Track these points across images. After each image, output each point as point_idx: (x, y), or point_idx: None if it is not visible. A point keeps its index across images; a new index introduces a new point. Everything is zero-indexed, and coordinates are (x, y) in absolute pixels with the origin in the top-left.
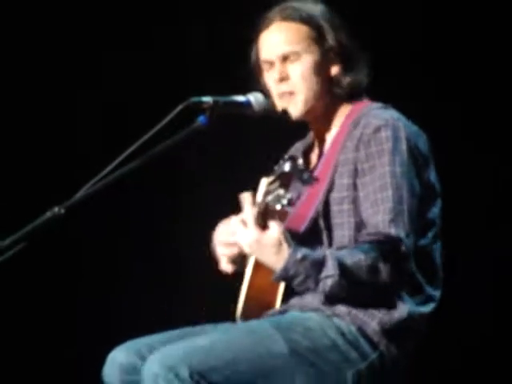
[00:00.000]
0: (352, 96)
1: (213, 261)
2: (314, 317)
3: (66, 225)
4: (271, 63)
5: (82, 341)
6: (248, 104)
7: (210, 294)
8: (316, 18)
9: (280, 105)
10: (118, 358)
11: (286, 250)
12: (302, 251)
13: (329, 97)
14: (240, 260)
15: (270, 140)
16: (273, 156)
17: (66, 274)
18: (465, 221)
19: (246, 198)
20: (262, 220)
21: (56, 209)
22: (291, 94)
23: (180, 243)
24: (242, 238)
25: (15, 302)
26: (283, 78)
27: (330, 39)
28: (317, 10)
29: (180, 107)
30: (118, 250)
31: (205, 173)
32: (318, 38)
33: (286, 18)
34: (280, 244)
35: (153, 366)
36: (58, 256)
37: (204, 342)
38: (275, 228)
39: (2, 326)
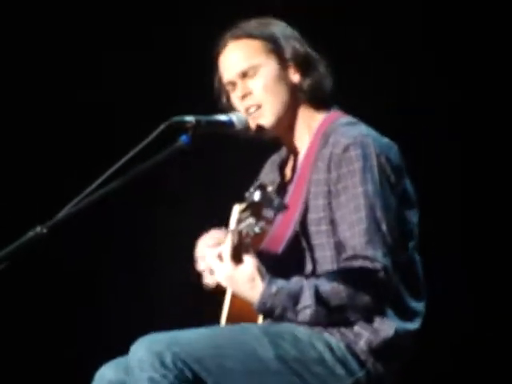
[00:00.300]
0: (318, 103)
1: (197, 276)
2: (304, 330)
3: (49, 242)
4: (233, 83)
5: (68, 357)
6: (230, 123)
7: (192, 308)
8: (267, 31)
9: (251, 121)
10: (107, 375)
11: (259, 285)
12: (278, 284)
13: (295, 105)
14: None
15: (250, 157)
16: (253, 173)
17: (48, 293)
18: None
19: (227, 233)
20: (237, 254)
21: (38, 228)
22: (258, 107)
23: (162, 259)
24: (219, 272)
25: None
26: (245, 95)
27: (285, 48)
28: (267, 23)
29: (162, 127)
30: (101, 266)
31: (187, 190)
32: (273, 49)
33: (238, 36)
34: (253, 279)
35: (139, 351)
36: (39, 274)
37: (191, 333)
38: (249, 263)
39: None
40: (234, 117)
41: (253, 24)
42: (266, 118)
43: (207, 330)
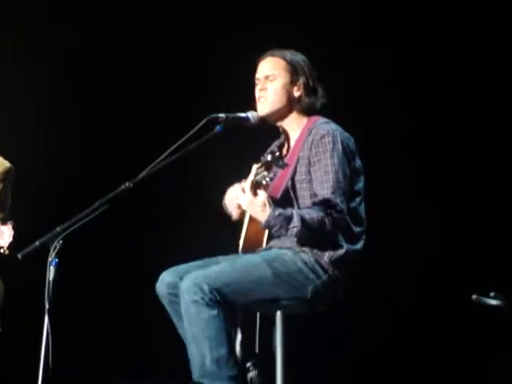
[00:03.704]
0: (308, 114)
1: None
2: (288, 253)
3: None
4: (259, 80)
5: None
6: (247, 118)
7: (221, 235)
8: (293, 59)
9: (257, 107)
10: (165, 278)
11: (268, 209)
12: (279, 210)
13: (290, 108)
14: (241, 212)
15: (261, 143)
16: (259, 154)
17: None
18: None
19: (244, 181)
20: (254, 190)
21: (127, 183)
22: (264, 99)
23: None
24: (242, 199)
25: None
26: (262, 89)
27: (299, 73)
28: (295, 54)
29: (204, 120)
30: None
31: (221, 165)
32: (291, 70)
33: (274, 55)
34: (264, 205)
35: (186, 283)
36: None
37: (218, 268)
38: (262, 194)
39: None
40: (249, 114)
41: (287, 51)
42: (265, 106)
43: (229, 266)
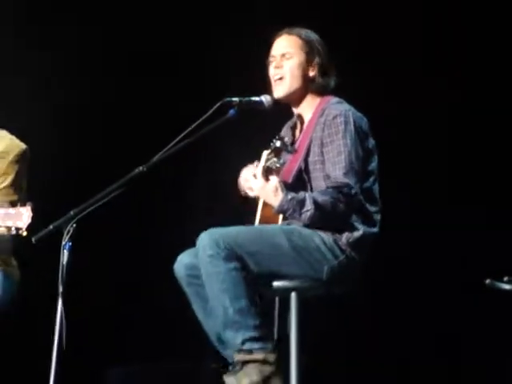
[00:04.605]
0: (322, 94)
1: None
2: (307, 229)
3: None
4: (274, 57)
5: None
6: (261, 102)
7: (236, 220)
8: (309, 37)
9: (273, 88)
10: (183, 259)
11: (280, 194)
12: (291, 194)
13: (305, 89)
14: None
15: (273, 126)
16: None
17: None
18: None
19: (257, 164)
20: (266, 175)
21: (140, 167)
22: (281, 79)
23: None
24: (254, 185)
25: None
26: (278, 67)
27: (315, 53)
28: (310, 33)
29: (218, 104)
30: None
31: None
32: (307, 49)
33: (290, 33)
34: (276, 190)
35: (204, 239)
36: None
37: (235, 229)
38: (274, 180)
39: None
40: (262, 97)
41: (302, 29)
42: (283, 88)
43: (247, 228)
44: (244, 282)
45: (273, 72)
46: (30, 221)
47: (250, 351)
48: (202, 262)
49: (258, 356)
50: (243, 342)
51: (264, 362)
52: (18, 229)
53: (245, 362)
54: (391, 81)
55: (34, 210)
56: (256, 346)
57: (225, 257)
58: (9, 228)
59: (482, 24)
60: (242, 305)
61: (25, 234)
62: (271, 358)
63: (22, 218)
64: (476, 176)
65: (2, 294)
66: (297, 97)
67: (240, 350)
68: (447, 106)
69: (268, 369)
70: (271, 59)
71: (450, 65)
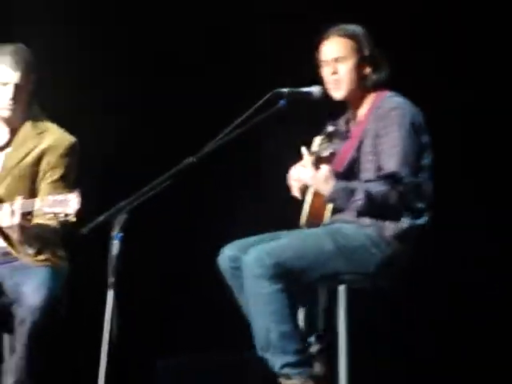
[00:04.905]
0: (376, 88)
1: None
2: (350, 227)
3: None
4: (327, 62)
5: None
6: (310, 93)
7: (283, 210)
8: (358, 36)
9: (331, 90)
10: (227, 252)
11: (331, 183)
12: (342, 183)
13: (361, 87)
14: (303, 190)
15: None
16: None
17: None
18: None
19: (304, 151)
20: (316, 164)
21: (190, 158)
22: (338, 82)
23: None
24: (304, 175)
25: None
26: (334, 72)
27: (366, 51)
28: (357, 30)
29: (268, 95)
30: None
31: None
32: (358, 49)
33: (339, 34)
34: (327, 179)
35: (248, 258)
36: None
37: (280, 243)
38: (325, 168)
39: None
40: (313, 88)
41: (348, 26)
42: (341, 91)
43: (290, 240)
44: (289, 304)
45: (329, 77)
46: (78, 206)
47: (288, 376)
48: (248, 280)
49: (296, 382)
50: (282, 367)
51: None
52: (66, 215)
53: None
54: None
55: (82, 196)
56: (295, 371)
57: (271, 277)
58: (57, 214)
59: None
60: (286, 329)
61: (74, 219)
62: (309, 383)
63: (70, 203)
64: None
65: (49, 292)
66: (353, 96)
67: (279, 374)
68: (460, 106)
69: None
70: (323, 63)
71: (462, 64)
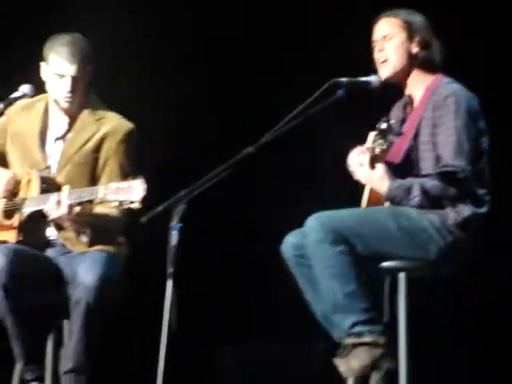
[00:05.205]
0: (429, 71)
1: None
2: (414, 211)
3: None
4: (376, 41)
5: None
6: (369, 82)
7: (345, 200)
8: (407, 16)
9: (379, 70)
10: (290, 239)
11: (387, 182)
12: (398, 181)
13: (410, 66)
14: None
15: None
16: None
17: None
18: None
19: (370, 136)
20: (372, 163)
21: (249, 148)
22: (385, 60)
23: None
24: (360, 175)
25: None
26: (381, 50)
27: (415, 29)
28: (410, 13)
29: (327, 84)
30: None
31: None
32: (407, 27)
33: (388, 15)
34: (383, 178)
35: (311, 223)
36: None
37: (343, 212)
38: (380, 167)
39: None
40: (371, 78)
41: (400, 11)
42: (388, 68)
43: (355, 211)
44: (352, 265)
45: (376, 56)
46: (144, 193)
47: (359, 334)
48: (310, 246)
49: (368, 339)
50: (352, 326)
51: (374, 344)
52: (131, 202)
53: (354, 345)
54: None
55: (147, 183)
56: (365, 329)
57: (332, 240)
58: (122, 202)
59: None
60: (351, 288)
61: (139, 206)
62: (381, 340)
63: (134, 190)
64: None
65: (104, 273)
66: (403, 75)
67: (349, 334)
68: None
69: (378, 351)
70: (374, 44)
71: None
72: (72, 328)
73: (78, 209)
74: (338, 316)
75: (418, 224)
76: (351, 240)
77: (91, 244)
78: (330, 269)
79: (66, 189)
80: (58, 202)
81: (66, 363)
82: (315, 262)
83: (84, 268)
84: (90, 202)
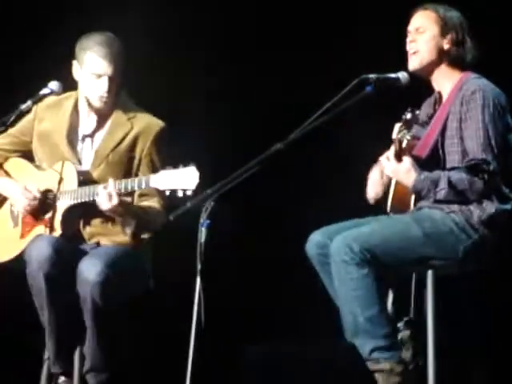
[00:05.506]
0: (458, 68)
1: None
2: (438, 213)
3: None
4: (410, 32)
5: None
6: (397, 78)
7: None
8: (444, 12)
9: (408, 60)
10: (315, 238)
11: (413, 175)
12: (425, 174)
13: (440, 61)
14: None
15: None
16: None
17: None
18: None
19: (396, 127)
20: (398, 156)
21: (278, 145)
22: (415, 52)
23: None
24: (387, 168)
25: None
26: (412, 41)
27: (449, 25)
28: (448, 9)
29: (355, 81)
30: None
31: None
32: (441, 22)
33: (425, 8)
34: (409, 171)
35: (336, 244)
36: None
37: (368, 229)
38: (406, 160)
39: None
40: (400, 74)
41: (440, 5)
42: (417, 60)
43: (378, 226)
44: (377, 289)
45: (408, 47)
46: (198, 181)
47: (377, 360)
48: (335, 265)
49: (385, 366)
50: (371, 352)
51: (391, 371)
52: (184, 190)
53: (372, 372)
54: None
55: (199, 170)
56: (383, 355)
57: (359, 262)
58: (174, 191)
59: None
60: (372, 313)
61: (191, 195)
62: (398, 368)
63: (188, 178)
64: None
65: (110, 269)
66: (432, 69)
67: (368, 359)
68: None
69: (394, 379)
70: (408, 34)
71: None
72: (86, 326)
73: (128, 199)
74: (359, 340)
75: (443, 227)
76: (379, 257)
77: (133, 237)
78: (354, 291)
79: (111, 181)
80: (109, 194)
81: (86, 363)
82: (339, 282)
83: (85, 264)
84: (131, 194)
